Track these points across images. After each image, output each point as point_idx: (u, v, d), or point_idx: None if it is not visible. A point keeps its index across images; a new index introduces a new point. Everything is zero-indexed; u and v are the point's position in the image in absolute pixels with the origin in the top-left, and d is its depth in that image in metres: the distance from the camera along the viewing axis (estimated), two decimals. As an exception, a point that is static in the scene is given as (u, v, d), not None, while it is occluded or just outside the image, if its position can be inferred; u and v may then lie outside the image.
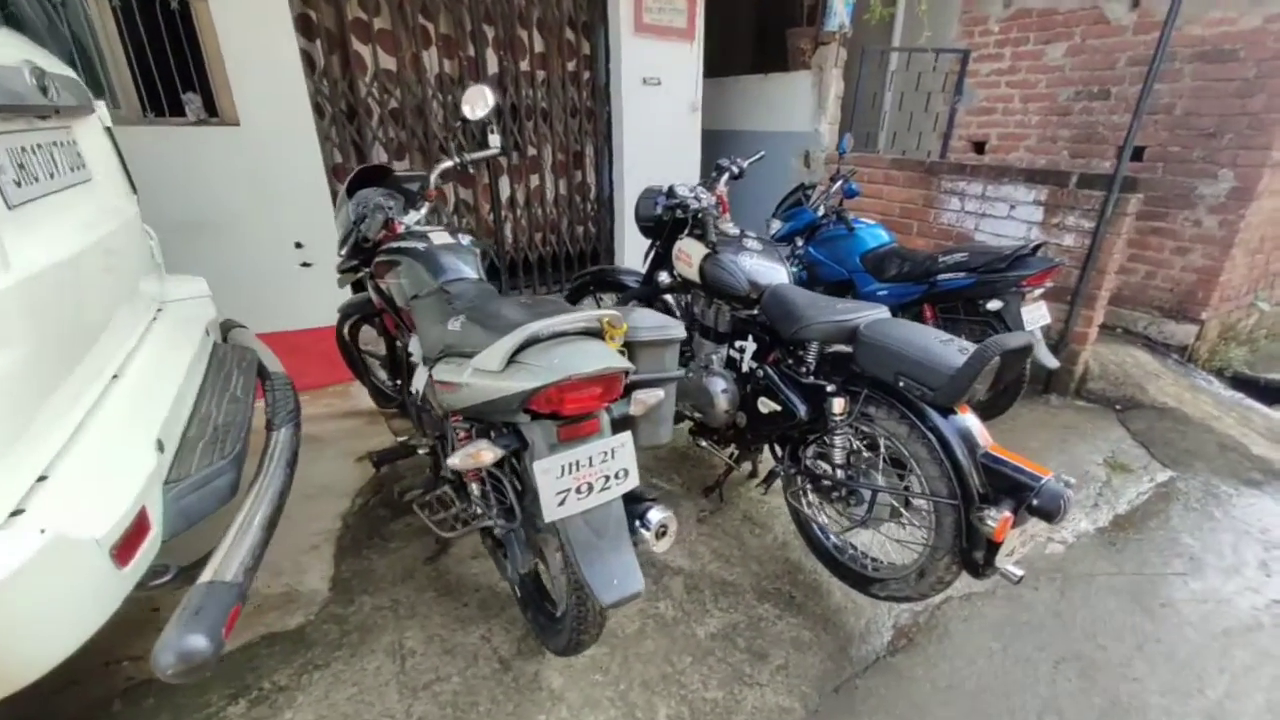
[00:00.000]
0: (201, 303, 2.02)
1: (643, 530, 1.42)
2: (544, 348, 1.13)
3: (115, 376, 1.41)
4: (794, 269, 3.56)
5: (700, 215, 2.11)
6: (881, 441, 1.73)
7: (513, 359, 1.12)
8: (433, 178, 2.09)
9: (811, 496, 1.91)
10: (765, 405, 1.91)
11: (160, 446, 1.20)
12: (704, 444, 2.31)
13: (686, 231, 2.22)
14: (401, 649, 1.62)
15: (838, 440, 1.79)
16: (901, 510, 1.72)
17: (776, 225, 3.67)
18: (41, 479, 0.99)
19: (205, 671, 0.87)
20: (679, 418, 2.36)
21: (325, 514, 2.18)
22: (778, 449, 2.02)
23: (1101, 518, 2.44)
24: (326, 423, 2.86)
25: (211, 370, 1.71)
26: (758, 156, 2.57)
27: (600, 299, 2.79)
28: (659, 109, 3.66)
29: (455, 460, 1.11)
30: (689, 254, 2.18)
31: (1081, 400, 3.33)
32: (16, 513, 0.89)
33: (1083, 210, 3.11)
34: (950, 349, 1.51)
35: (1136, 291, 3.86)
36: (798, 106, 4.61)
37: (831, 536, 1.96)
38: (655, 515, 1.44)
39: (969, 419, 1.57)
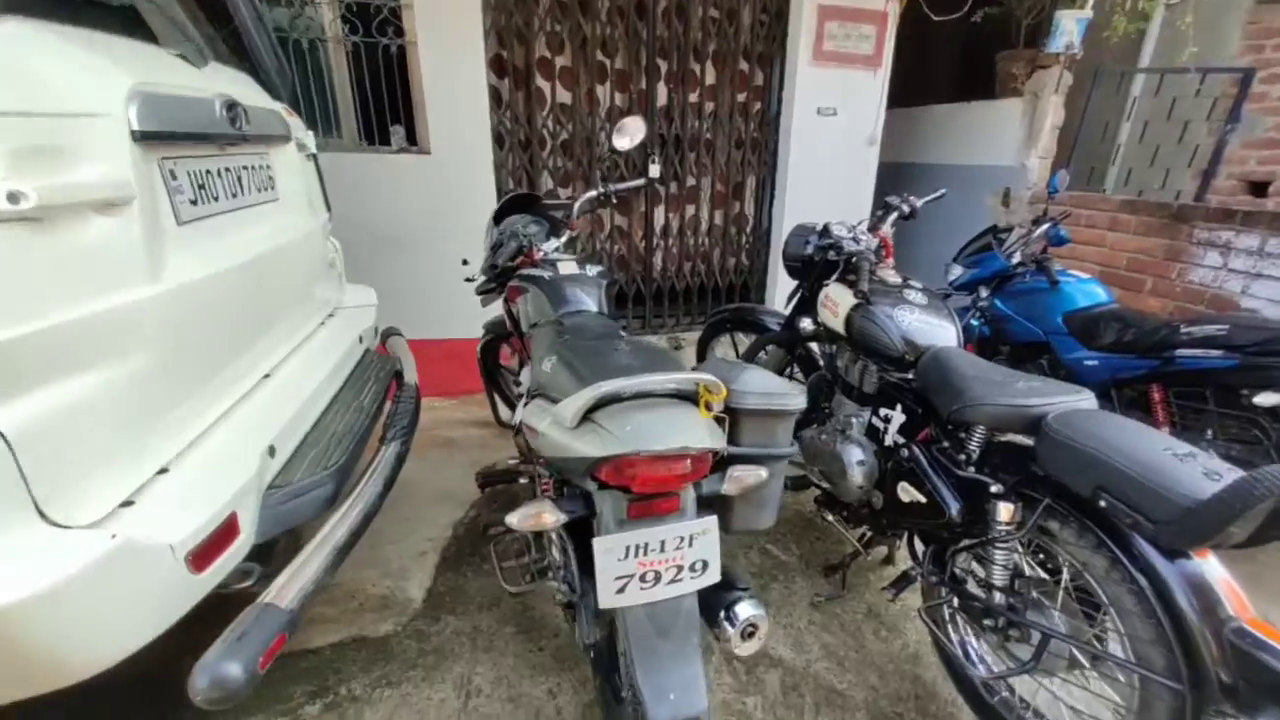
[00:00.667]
0: (365, 311, 2.23)
1: (726, 626, 1.21)
2: (622, 409, 0.99)
3: (267, 375, 1.56)
4: (975, 322, 3.07)
5: (855, 259, 1.84)
6: (1065, 568, 1.31)
7: (588, 416, 1.00)
8: (576, 207, 2.09)
9: (958, 618, 1.53)
10: (906, 493, 1.57)
11: (272, 452, 1.28)
12: (830, 518, 1.99)
13: (837, 275, 1.96)
14: (469, 684, 1.58)
15: (999, 555, 1.40)
16: (1086, 664, 1.29)
17: (957, 271, 3.17)
18: (163, 471, 1.08)
19: (237, 699, 0.85)
20: (803, 483, 2.08)
21: (441, 521, 2.25)
22: (919, 547, 1.66)
23: None
24: (469, 429, 3.02)
25: (354, 377, 1.85)
26: (937, 195, 2.21)
27: (736, 339, 2.61)
28: (832, 141, 3.39)
29: (514, 519, 1.01)
30: (836, 301, 1.91)
31: None
32: (127, 504, 0.97)
33: None
34: (1191, 469, 1.08)
35: None
36: (1002, 138, 4.00)
37: (980, 668, 1.55)
38: (744, 610, 1.22)
39: (1210, 567, 1.11)
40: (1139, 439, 1.17)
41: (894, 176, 5.20)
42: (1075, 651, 1.29)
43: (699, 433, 0.96)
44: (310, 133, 2.04)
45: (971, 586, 1.47)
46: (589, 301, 1.72)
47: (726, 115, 3.33)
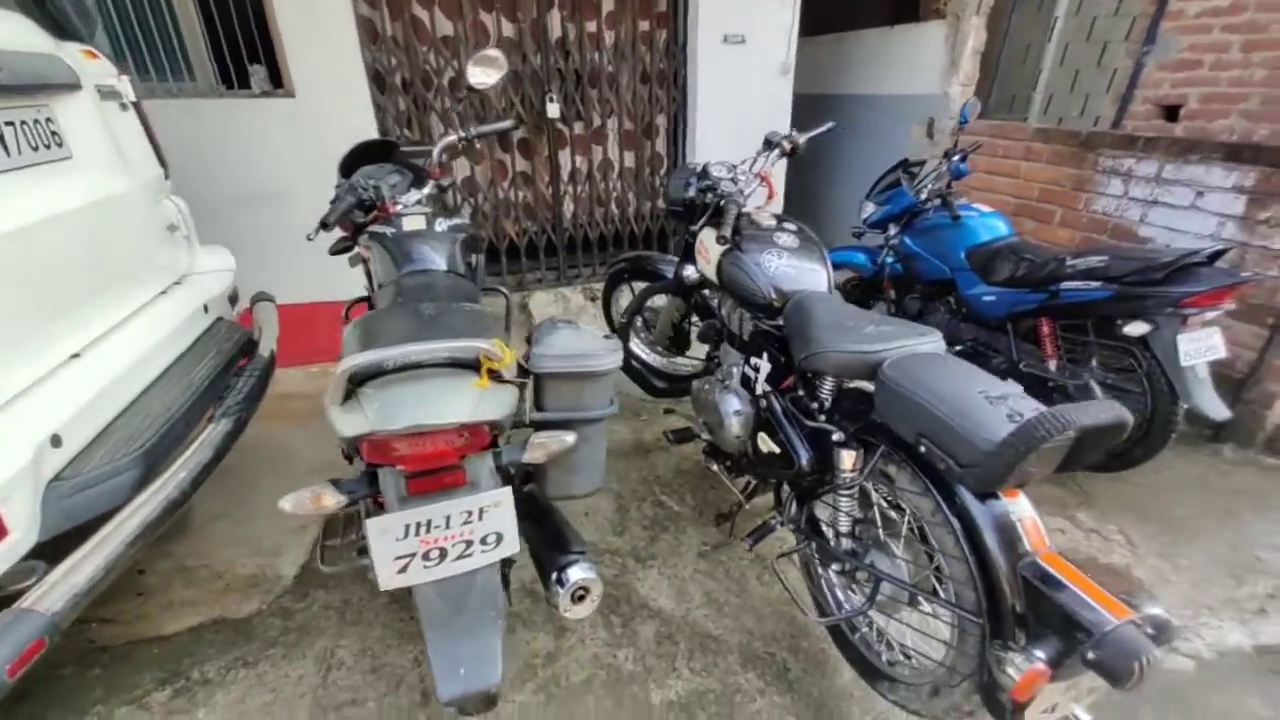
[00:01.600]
0: (219, 276, 2.06)
1: (557, 589, 1.19)
2: (387, 383, 0.92)
3: (76, 355, 1.43)
4: (890, 260, 3.03)
5: (723, 202, 1.75)
6: (908, 513, 1.32)
7: (359, 389, 0.92)
8: (435, 153, 1.93)
9: (817, 563, 1.54)
10: (764, 443, 1.55)
11: (56, 441, 1.18)
12: (715, 468, 1.99)
13: (706, 219, 1.87)
14: (331, 658, 1.55)
15: (844, 502, 1.39)
16: (924, 600, 1.31)
17: (870, 209, 3.11)
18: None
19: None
20: (685, 436, 2.06)
21: (328, 492, 2.18)
22: (784, 496, 1.66)
23: (1267, 632, 1.77)
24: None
25: (192, 351, 1.72)
26: (824, 129, 2.11)
27: (636, 290, 2.52)
28: (742, 72, 3.22)
29: (286, 503, 0.95)
30: (708, 247, 1.84)
31: (1274, 457, 2.48)
32: None
33: (1308, 202, 2.24)
34: (997, 412, 1.06)
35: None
36: (925, 65, 3.87)
37: (845, 608, 1.58)
38: (575, 573, 1.20)
39: (1016, 506, 1.12)
40: (957, 382, 1.15)
41: (814, 109, 5.02)
42: (907, 592, 1.31)
43: (462, 404, 0.89)
44: (125, 78, 1.82)
45: (823, 533, 1.48)
46: (437, 259, 1.61)
47: (629, 46, 3.12)
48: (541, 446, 1.05)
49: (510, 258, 3.36)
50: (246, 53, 2.66)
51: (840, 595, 1.57)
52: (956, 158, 2.82)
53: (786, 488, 1.64)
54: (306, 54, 2.60)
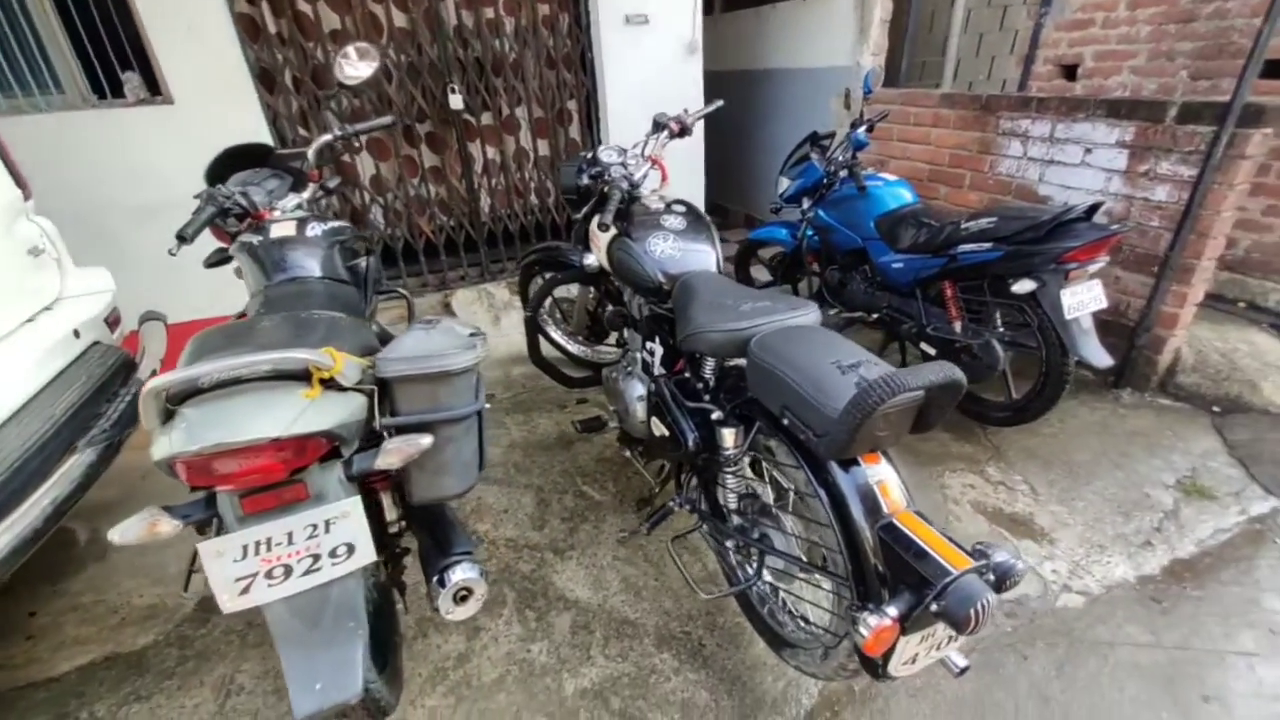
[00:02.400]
0: (95, 299, 1.96)
1: (438, 590, 1.18)
2: (203, 400, 0.88)
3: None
4: (809, 235, 3.07)
5: (606, 190, 1.74)
6: (793, 489, 1.34)
7: (179, 409, 0.89)
8: (310, 154, 1.87)
9: (713, 541, 1.57)
10: (656, 426, 1.56)
11: None
12: (629, 454, 1.99)
13: (591, 208, 1.86)
14: (230, 684, 1.51)
15: (730, 480, 1.41)
16: (801, 570, 1.35)
17: (784, 184, 3.14)
18: None
19: None
20: (595, 425, 2.06)
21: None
22: (683, 478, 1.68)
23: (1150, 563, 1.88)
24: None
25: (60, 380, 1.63)
26: (712, 107, 2.11)
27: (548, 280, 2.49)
28: (649, 52, 3.19)
29: (115, 534, 0.91)
30: (597, 236, 1.82)
31: (1165, 398, 2.62)
32: None
33: (1183, 153, 2.35)
34: (847, 381, 1.09)
35: (1271, 254, 2.96)
36: (837, 37, 3.89)
37: (756, 584, 1.61)
38: (457, 574, 1.19)
39: (876, 471, 1.15)
40: (815, 354, 1.17)
41: (731, 86, 5.05)
42: (799, 560, 1.34)
43: (277, 418, 0.86)
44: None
45: (712, 511, 1.50)
46: (310, 265, 1.55)
47: (530, 31, 3.05)
48: (396, 452, 1.02)
49: (430, 256, 3.29)
50: (118, 59, 2.51)
51: (741, 571, 1.60)
52: (862, 128, 2.86)
53: (686, 469, 1.66)
54: (182, 57, 2.47)
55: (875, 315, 2.78)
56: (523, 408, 2.66)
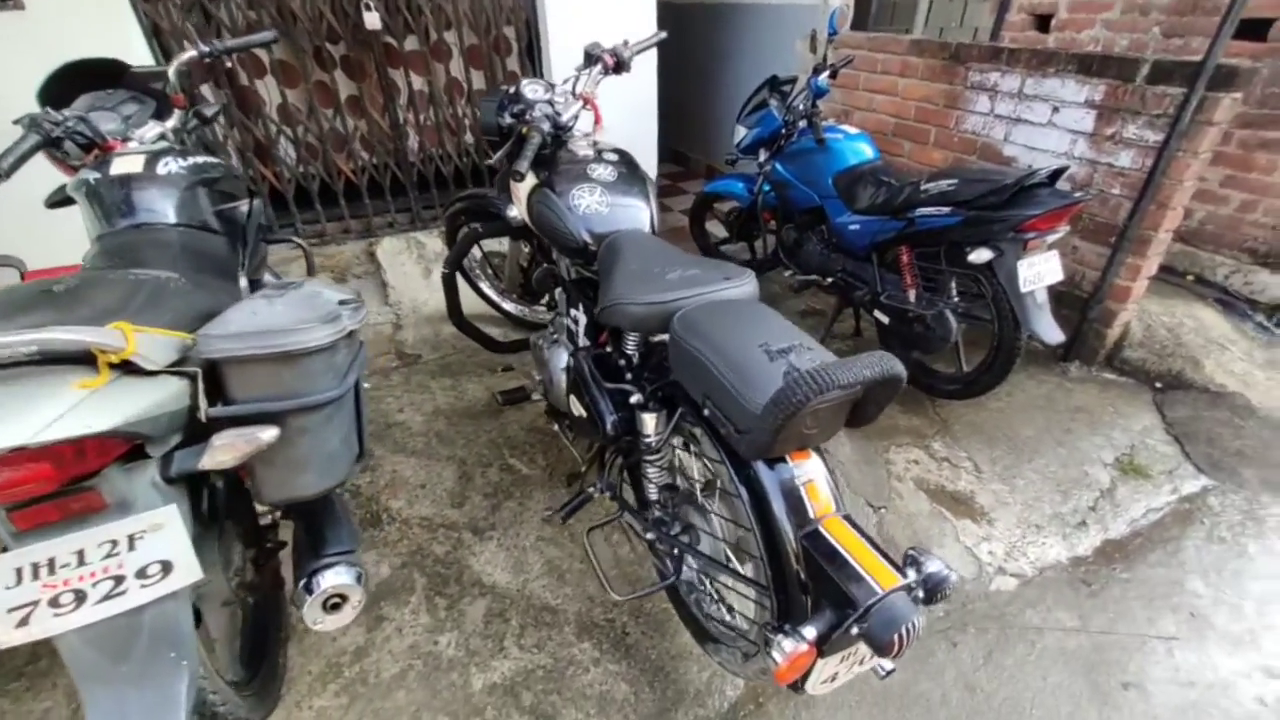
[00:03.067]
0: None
1: (305, 597, 1.01)
2: None
3: None
4: (765, 190, 2.88)
5: (525, 130, 1.51)
6: (718, 482, 1.21)
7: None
8: (171, 74, 1.57)
9: (632, 533, 1.44)
10: (575, 406, 1.40)
11: None
12: (556, 428, 1.84)
13: (506, 152, 1.63)
14: (86, 690, 1.34)
15: (650, 470, 1.28)
16: (719, 574, 1.23)
17: (741, 133, 2.93)
18: None
19: None
20: (516, 397, 1.89)
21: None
22: (609, 462, 1.53)
23: (1083, 543, 1.86)
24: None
25: None
26: (652, 39, 1.86)
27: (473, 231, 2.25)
28: (595, -25, 2.85)
29: None
30: (516, 185, 1.60)
31: (1111, 373, 2.60)
32: None
33: (1150, 116, 2.23)
34: (774, 370, 0.94)
35: (1224, 227, 2.92)
36: (804, -30, 3.60)
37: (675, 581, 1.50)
38: (328, 579, 1.03)
39: (807, 470, 1.02)
40: (742, 335, 1.02)
41: (692, 20, 4.70)
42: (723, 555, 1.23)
43: (27, 419, 0.66)
44: None
45: (633, 501, 1.37)
46: (162, 209, 1.30)
47: (462, -58, 2.68)
48: (227, 448, 0.84)
49: (353, 200, 2.97)
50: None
51: (664, 565, 1.49)
52: (824, 75, 2.65)
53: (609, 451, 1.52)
54: (27, -55, 2.05)
55: (830, 279, 2.64)
56: (450, 371, 2.46)
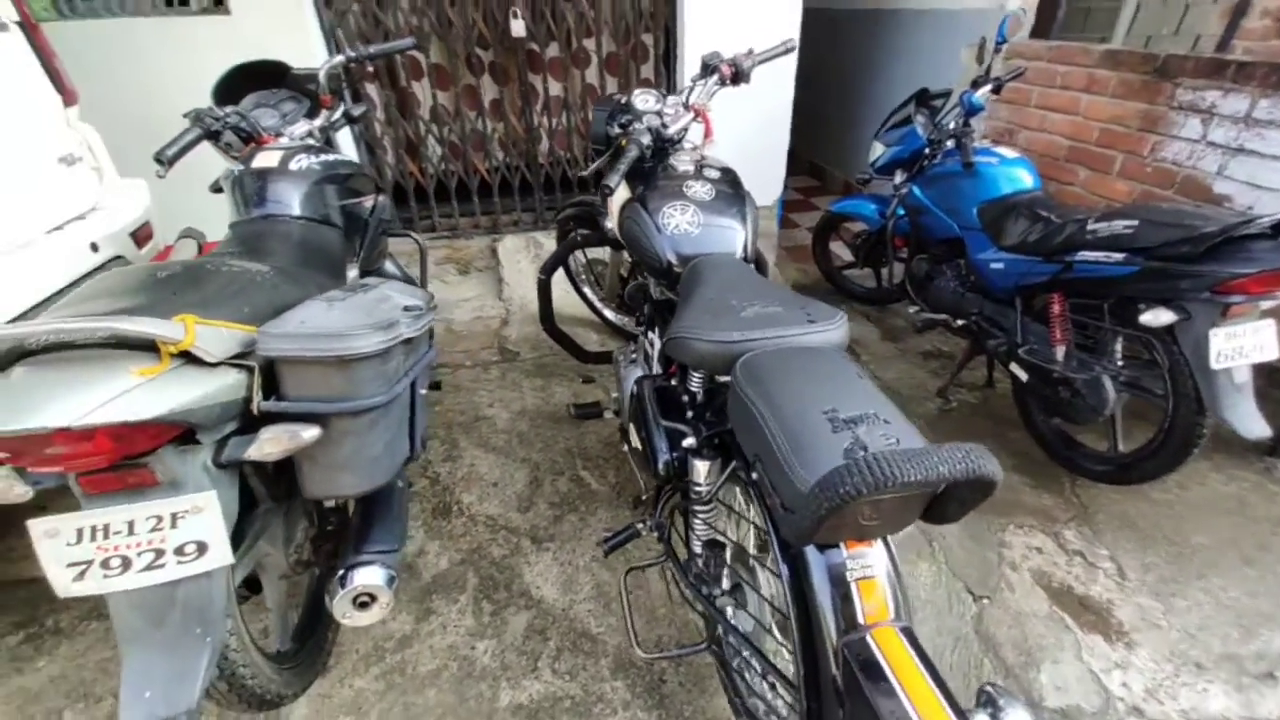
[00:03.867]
0: (121, 212, 1.97)
1: (338, 589, 1.05)
2: (33, 364, 0.75)
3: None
4: (899, 214, 2.62)
5: (624, 141, 1.46)
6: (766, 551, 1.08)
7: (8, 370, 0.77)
8: (321, 76, 1.72)
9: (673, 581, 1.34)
10: (634, 435, 1.33)
11: None
12: (626, 449, 1.78)
13: (599, 164, 1.59)
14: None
15: (696, 521, 1.17)
16: (748, 655, 1.09)
17: (878, 150, 2.68)
18: None
19: None
20: (591, 412, 1.85)
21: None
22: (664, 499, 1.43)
23: (1267, 703, 1.45)
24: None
25: (64, 292, 1.63)
26: (781, 48, 1.73)
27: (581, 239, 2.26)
28: (739, -17, 2.75)
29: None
30: (610, 198, 1.56)
31: (1343, 480, 2.02)
32: None
33: None
34: (836, 444, 0.79)
35: None
36: (980, -29, 3.21)
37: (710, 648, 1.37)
38: (360, 577, 1.06)
39: (865, 562, 0.86)
40: (806, 394, 0.88)
41: (845, 27, 4.40)
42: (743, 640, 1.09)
43: (85, 400, 0.71)
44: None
45: (681, 548, 1.26)
46: (288, 202, 1.42)
47: (607, -49, 2.71)
48: (273, 442, 0.87)
49: (484, 196, 3.14)
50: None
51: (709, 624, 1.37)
52: (984, 89, 2.34)
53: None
54: (240, -36, 2.38)
55: (961, 321, 2.33)
56: (544, 372, 2.50)
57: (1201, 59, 2.26)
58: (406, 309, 1.04)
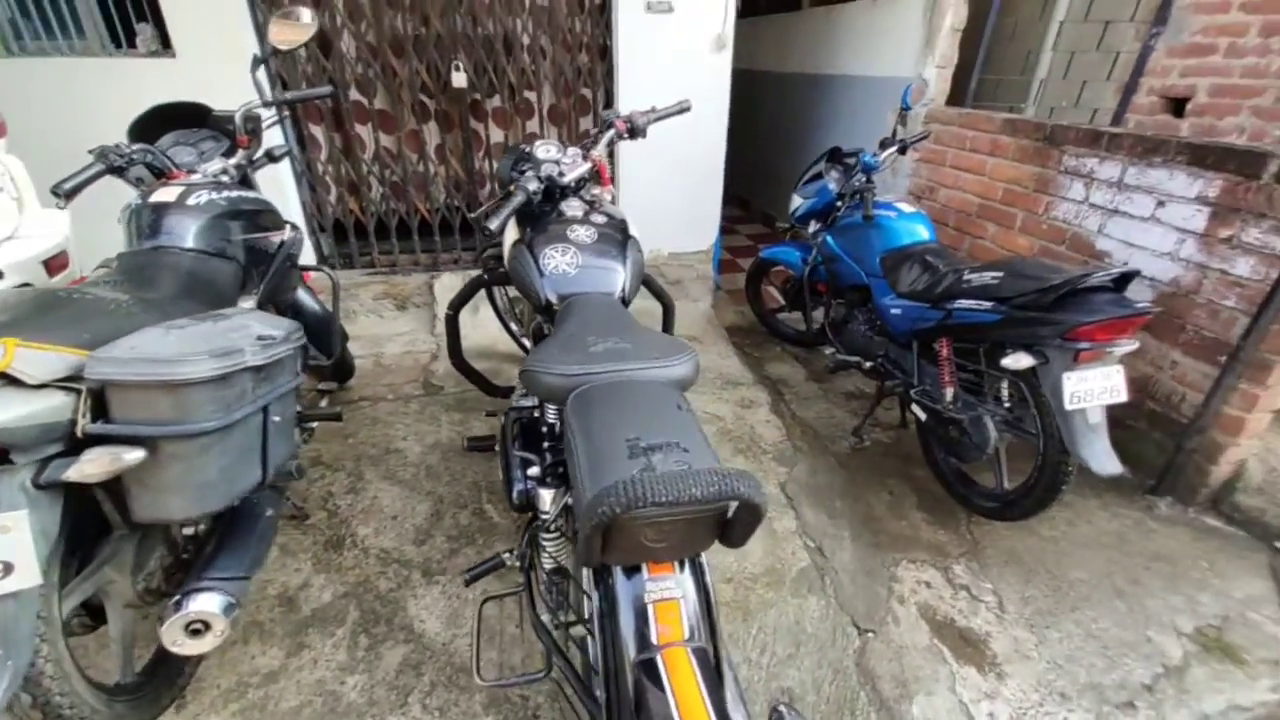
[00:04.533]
0: (38, 241, 1.99)
1: (171, 613, 1.05)
2: None
3: None
4: (818, 262, 2.76)
5: (512, 188, 1.55)
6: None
7: None
8: (237, 118, 1.80)
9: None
10: (499, 464, 1.37)
11: None
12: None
13: (487, 208, 1.67)
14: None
15: (547, 545, 1.20)
16: (568, 681, 1.11)
17: (796, 202, 2.84)
18: None
19: None
20: (488, 444, 1.88)
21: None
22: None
23: (1123, 740, 1.49)
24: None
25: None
26: (676, 107, 1.86)
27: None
28: (671, 44, 2.95)
29: None
30: (506, 239, 1.64)
31: (1216, 518, 2.12)
32: None
33: (1279, 221, 1.86)
34: (623, 470, 0.84)
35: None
36: (900, 43, 3.48)
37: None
38: (194, 605, 1.06)
39: (665, 586, 0.90)
40: (624, 422, 0.93)
41: (787, 89, 4.69)
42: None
43: None
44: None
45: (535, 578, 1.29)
46: (180, 235, 1.47)
47: (547, 12, 2.88)
48: (95, 463, 0.90)
49: (426, 235, 3.22)
50: (134, 11, 2.57)
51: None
52: (887, 151, 2.51)
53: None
54: (187, 9, 2.49)
55: (869, 363, 2.44)
56: (464, 406, 2.53)
57: (1081, 129, 2.46)
58: (260, 338, 1.08)
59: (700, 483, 0.74)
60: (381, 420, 2.40)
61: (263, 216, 1.73)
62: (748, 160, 5.58)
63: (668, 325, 2.05)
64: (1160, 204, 2.16)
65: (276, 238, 1.79)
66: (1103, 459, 1.65)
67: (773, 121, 5.05)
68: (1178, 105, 3.09)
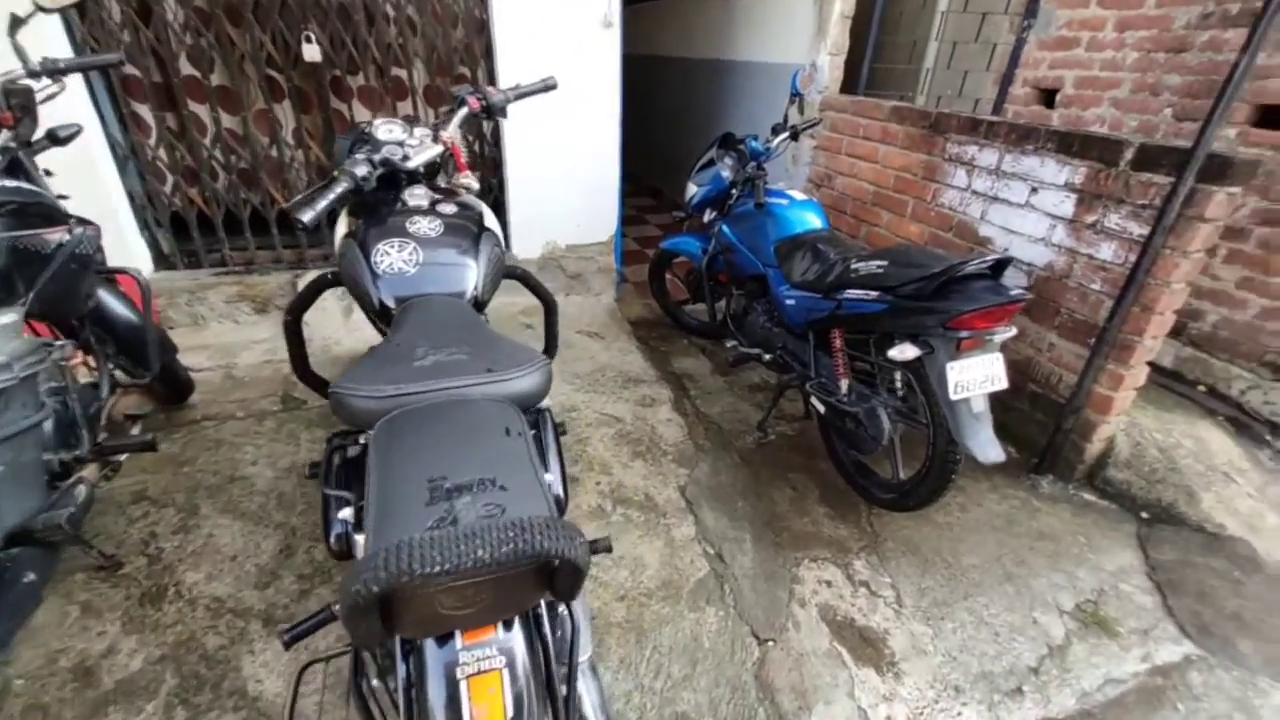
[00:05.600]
0: None
1: None
2: None
3: None
4: (716, 251, 2.66)
5: (336, 173, 1.32)
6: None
7: None
8: (-5, 89, 1.45)
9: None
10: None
11: None
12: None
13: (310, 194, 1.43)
14: None
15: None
16: None
17: (691, 190, 2.73)
18: None
19: None
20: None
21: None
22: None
23: (1015, 717, 1.48)
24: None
25: None
26: (539, 85, 1.68)
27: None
28: (552, 23, 2.75)
29: None
30: (337, 233, 1.41)
31: (1091, 493, 2.21)
32: None
33: (1135, 206, 1.92)
34: (419, 521, 0.67)
35: (1241, 334, 2.53)
36: (793, 30, 3.45)
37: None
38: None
39: (480, 657, 0.73)
40: (427, 458, 0.76)
41: (689, 74, 4.63)
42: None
43: None
44: None
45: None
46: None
47: (414, -19, 2.61)
48: None
49: (287, 230, 2.87)
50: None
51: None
52: (780, 138, 2.45)
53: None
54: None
55: (769, 355, 2.37)
56: (330, 422, 2.25)
57: (962, 117, 2.49)
58: (46, 344, 0.82)
59: (489, 543, 0.58)
60: (227, 442, 2.08)
61: (30, 210, 1.41)
62: (656, 148, 5.47)
63: (551, 325, 1.87)
64: (1034, 190, 2.21)
65: (53, 236, 1.46)
66: (986, 447, 1.64)
67: (678, 108, 4.96)
68: (1049, 96, 3.23)
